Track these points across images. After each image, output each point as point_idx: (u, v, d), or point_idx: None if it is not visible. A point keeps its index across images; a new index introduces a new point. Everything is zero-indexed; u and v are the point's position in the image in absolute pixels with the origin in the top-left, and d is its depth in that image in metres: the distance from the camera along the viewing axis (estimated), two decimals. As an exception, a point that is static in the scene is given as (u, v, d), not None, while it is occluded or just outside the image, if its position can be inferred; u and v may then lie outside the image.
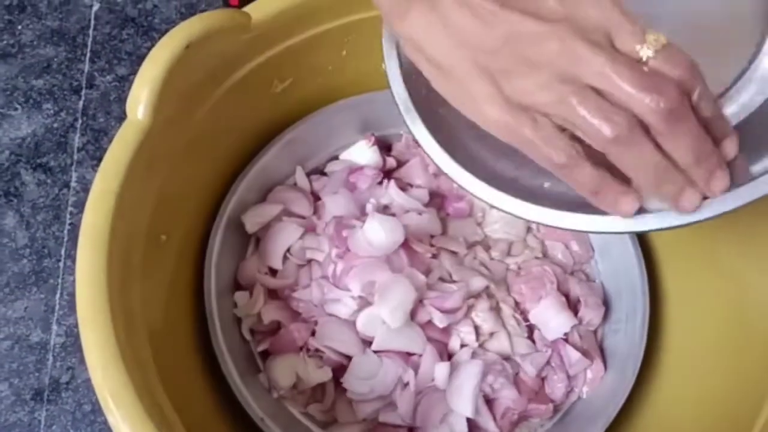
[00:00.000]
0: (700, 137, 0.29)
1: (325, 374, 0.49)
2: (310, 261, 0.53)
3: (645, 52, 0.28)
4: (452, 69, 0.31)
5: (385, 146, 0.58)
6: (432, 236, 0.54)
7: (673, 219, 0.32)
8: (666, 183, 0.30)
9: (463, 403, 0.48)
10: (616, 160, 0.30)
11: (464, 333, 0.50)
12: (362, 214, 0.53)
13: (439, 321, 0.49)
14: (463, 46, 0.30)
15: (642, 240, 0.54)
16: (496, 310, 0.52)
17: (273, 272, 0.53)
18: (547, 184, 0.36)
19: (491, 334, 0.51)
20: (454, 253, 0.54)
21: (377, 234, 0.49)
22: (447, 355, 0.50)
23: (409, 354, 0.49)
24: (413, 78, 0.39)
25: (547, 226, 0.35)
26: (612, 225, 0.33)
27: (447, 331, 0.50)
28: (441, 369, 0.49)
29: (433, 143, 0.38)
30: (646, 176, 0.30)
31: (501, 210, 0.36)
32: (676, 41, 0.29)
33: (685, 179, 0.30)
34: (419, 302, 0.49)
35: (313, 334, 0.50)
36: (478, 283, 0.51)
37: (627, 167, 0.30)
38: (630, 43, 0.29)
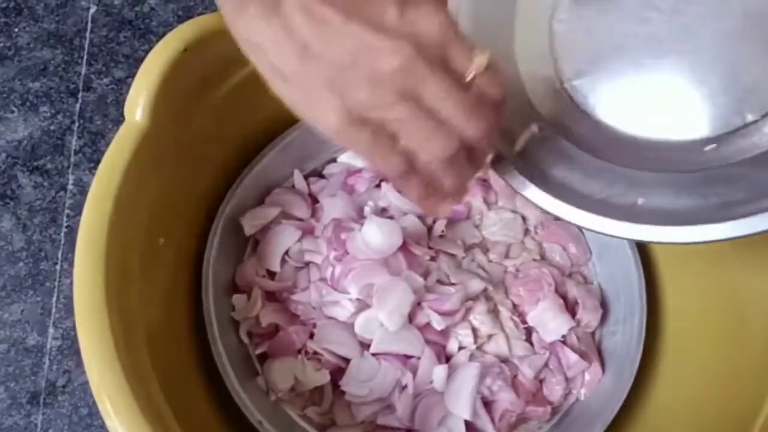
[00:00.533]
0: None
1: (324, 377, 0.49)
2: (308, 263, 0.53)
3: (472, 73, 0.31)
4: (295, 76, 0.31)
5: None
6: (430, 239, 0.54)
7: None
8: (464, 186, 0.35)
9: (461, 405, 0.48)
10: (441, 172, 0.33)
11: (462, 335, 0.50)
12: (360, 217, 0.53)
13: (437, 323, 0.49)
14: (308, 57, 0.30)
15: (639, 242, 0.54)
16: (494, 312, 0.52)
17: (271, 275, 0.53)
18: (641, 201, 0.36)
19: (489, 337, 0.51)
20: (452, 255, 0.54)
21: (375, 237, 0.49)
22: (445, 358, 0.50)
23: (408, 356, 0.49)
24: None
25: (647, 242, 0.35)
26: (711, 234, 0.33)
27: (445, 333, 0.50)
28: (439, 371, 0.49)
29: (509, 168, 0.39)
30: (461, 187, 0.34)
31: (602, 233, 0.36)
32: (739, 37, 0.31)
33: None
34: (417, 305, 0.49)
35: (311, 336, 0.50)
36: (476, 285, 0.51)
37: (449, 179, 0.33)
38: (461, 63, 0.30)
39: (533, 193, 0.38)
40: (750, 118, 0.36)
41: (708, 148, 0.37)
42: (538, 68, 0.41)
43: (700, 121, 0.37)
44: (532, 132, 0.40)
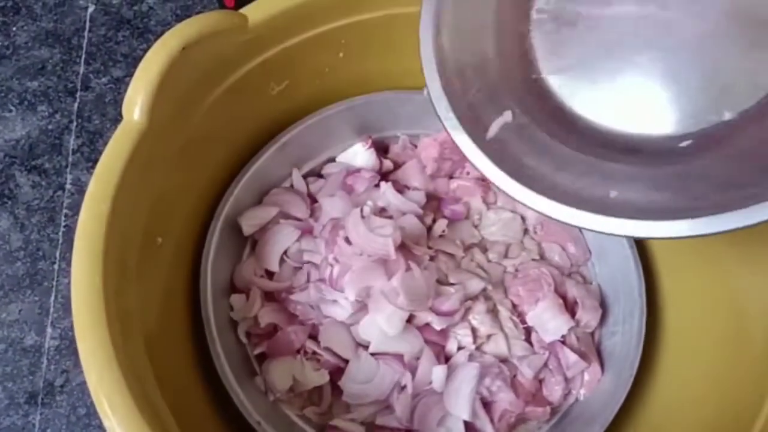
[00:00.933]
0: None
1: (322, 377, 0.49)
2: (306, 263, 0.52)
3: None
4: None
5: (381, 148, 0.58)
6: (429, 238, 0.54)
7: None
8: None
9: (461, 405, 0.48)
10: None
11: (461, 335, 0.50)
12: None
13: (437, 324, 0.49)
14: None
15: (639, 242, 0.54)
16: (493, 312, 0.52)
17: (269, 275, 0.53)
18: (613, 194, 0.36)
19: (488, 337, 0.51)
20: (451, 255, 0.53)
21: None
22: (444, 358, 0.50)
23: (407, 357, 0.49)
24: (453, 84, 0.39)
25: (623, 236, 0.35)
26: (688, 228, 0.33)
27: (444, 333, 0.50)
28: (438, 372, 0.48)
29: (477, 152, 0.38)
30: None
31: (573, 225, 0.36)
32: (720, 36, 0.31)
33: None
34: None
35: (310, 336, 0.50)
36: (475, 285, 0.51)
37: None
38: None
39: (504, 181, 0.38)
40: (727, 116, 0.36)
41: (684, 144, 0.37)
42: (516, 59, 0.41)
43: (676, 117, 0.37)
44: (505, 120, 0.40)
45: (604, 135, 0.39)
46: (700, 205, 0.33)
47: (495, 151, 0.39)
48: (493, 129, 0.40)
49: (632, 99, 0.38)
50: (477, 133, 0.39)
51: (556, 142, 0.39)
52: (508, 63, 0.41)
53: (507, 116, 0.40)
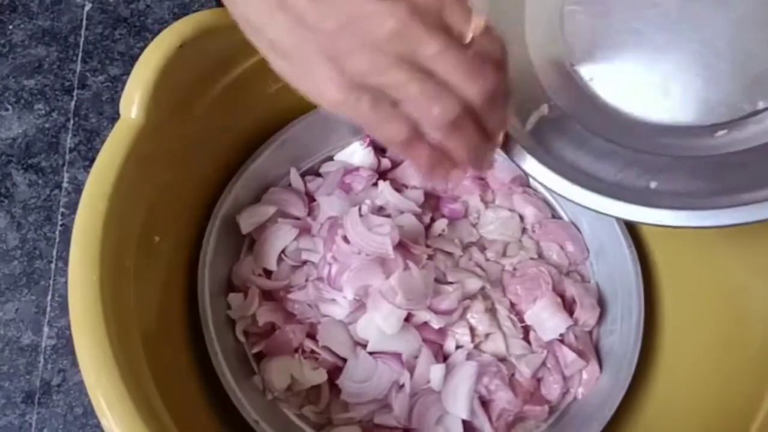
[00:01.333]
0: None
1: (321, 376, 0.49)
2: (305, 262, 0.52)
3: (470, 34, 0.30)
4: (293, 50, 0.31)
5: (379, 147, 0.58)
6: (427, 237, 0.54)
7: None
8: (481, 158, 0.34)
9: (459, 404, 0.48)
10: (447, 139, 0.32)
11: (459, 334, 0.50)
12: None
13: (435, 322, 0.49)
14: (303, 27, 0.30)
15: (637, 241, 0.54)
16: (491, 311, 0.51)
17: (267, 273, 0.53)
18: (653, 185, 0.36)
19: (487, 336, 0.51)
20: (449, 254, 0.53)
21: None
22: (442, 357, 0.50)
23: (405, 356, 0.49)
24: None
25: (666, 226, 0.35)
26: (729, 218, 0.33)
27: (442, 332, 0.50)
28: (436, 371, 0.48)
29: (516, 146, 0.39)
30: (468, 153, 0.33)
31: (613, 216, 0.36)
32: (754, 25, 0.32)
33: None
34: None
35: (308, 336, 0.50)
36: (473, 284, 0.51)
37: (457, 147, 0.32)
38: (459, 24, 0.30)
39: (544, 174, 0.38)
40: (761, 105, 0.36)
41: (719, 133, 0.37)
42: (549, 51, 0.41)
43: (710, 107, 0.37)
44: (542, 113, 0.40)
45: (638, 125, 0.39)
46: (739, 195, 0.33)
47: (533, 145, 0.39)
48: (531, 122, 0.40)
49: (666, 89, 0.38)
50: (515, 128, 0.39)
51: (593, 134, 0.39)
52: (541, 47, 0.41)
53: (544, 109, 0.40)
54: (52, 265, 0.61)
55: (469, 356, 0.50)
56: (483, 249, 0.55)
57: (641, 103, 0.39)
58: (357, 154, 0.57)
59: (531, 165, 0.38)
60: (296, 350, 0.50)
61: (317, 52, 0.30)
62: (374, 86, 0.30)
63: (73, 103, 0.67)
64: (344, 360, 0.49)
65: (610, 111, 0.39)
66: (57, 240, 0.62)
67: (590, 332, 0.54)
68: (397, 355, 0.49)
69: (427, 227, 0.54)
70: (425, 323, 0.49)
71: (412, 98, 0.30)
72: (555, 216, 0.58)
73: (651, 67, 0.38)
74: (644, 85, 0.39)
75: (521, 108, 0.40)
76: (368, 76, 0.30)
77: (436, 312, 0.49)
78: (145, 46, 0.42)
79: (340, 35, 0.29)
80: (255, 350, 0.50)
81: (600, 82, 0.40)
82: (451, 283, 0.51)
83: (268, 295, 0.52)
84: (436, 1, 0.29)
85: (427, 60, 0.29)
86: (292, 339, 0.49)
